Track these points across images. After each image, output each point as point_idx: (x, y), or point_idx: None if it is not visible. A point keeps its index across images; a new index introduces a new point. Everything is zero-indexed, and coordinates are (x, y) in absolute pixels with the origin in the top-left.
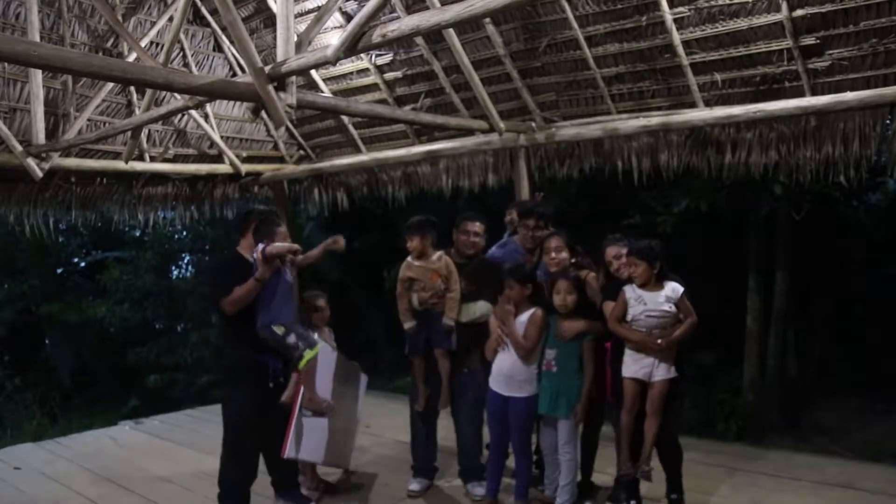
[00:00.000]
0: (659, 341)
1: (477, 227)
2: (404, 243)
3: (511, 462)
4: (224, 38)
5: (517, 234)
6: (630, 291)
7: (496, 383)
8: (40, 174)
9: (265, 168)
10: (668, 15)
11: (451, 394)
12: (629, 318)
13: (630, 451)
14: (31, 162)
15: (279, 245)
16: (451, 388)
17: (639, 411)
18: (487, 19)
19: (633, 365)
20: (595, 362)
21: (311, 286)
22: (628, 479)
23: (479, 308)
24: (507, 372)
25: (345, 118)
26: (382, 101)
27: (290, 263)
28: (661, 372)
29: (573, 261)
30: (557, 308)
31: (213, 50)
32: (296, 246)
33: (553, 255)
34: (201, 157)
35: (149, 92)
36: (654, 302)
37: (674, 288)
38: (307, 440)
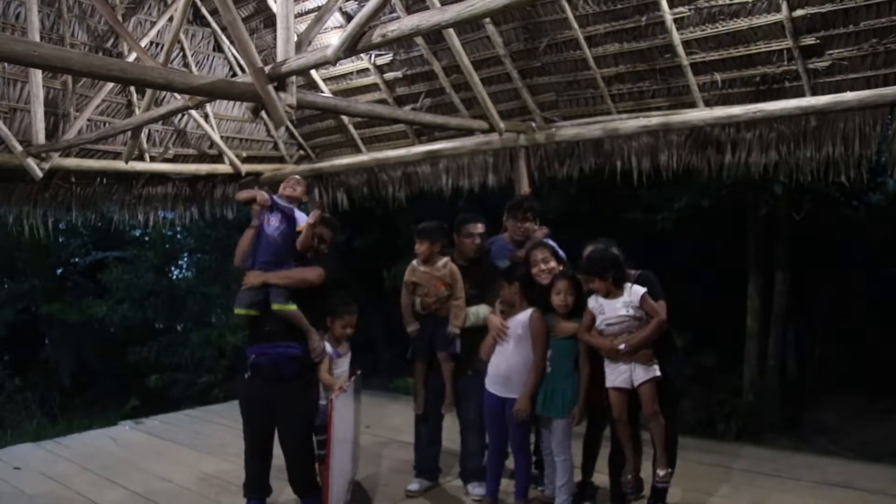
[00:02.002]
0: (621, 346)
1: (479, 227)
2: (404, 243)
3: (511, 462)
4: (224, 38)
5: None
6: (593, 301)
7: (492, 385)
8: (40, 174)
9: (265, 168)
10: (668, 15)
11: (454, 396)
12: (595, 329)
13: (634, 457)
14: (31, 162)
15: (242, 192)
16: (455, 390)
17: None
18: (487, 19)
19: (612, 374)
20: (591, 364)
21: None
22: (631, 487)
23: (483, 312)
24: (503, 373)
25: (345, 118)
26: (382, 101)
27: (281, 219)
28: (640, 374)
29: (560, 268)
30: (557, 308)
31: (213, 50)
32: (260, 193)
33: (542, 266)
34: (201, 157)
35: (149, 92)
36: (611, 309)
37: (632, 291)
38: (338, 485)
